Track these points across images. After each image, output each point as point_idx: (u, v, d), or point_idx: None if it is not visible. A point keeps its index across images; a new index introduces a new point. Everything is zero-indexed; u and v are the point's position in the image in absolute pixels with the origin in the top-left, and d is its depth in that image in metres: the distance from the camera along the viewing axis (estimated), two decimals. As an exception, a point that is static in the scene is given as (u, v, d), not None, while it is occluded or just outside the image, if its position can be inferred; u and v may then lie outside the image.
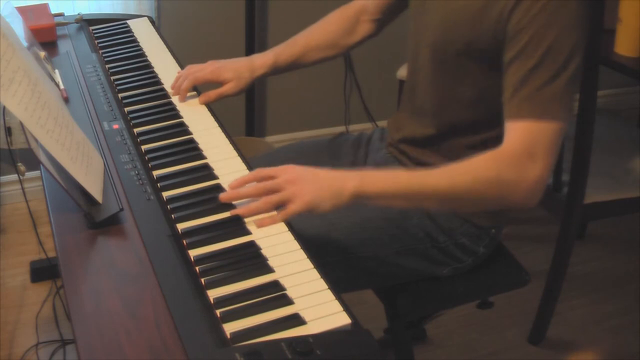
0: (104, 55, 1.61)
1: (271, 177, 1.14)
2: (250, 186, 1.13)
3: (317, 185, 1.13)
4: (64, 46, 1.67)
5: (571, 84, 1.16)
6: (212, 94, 1.45)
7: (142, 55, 1.61)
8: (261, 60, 1.51)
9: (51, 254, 2.01)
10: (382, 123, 2.84)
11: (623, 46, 1.89)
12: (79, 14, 1.78)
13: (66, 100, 1.41)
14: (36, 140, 1.04)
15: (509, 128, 1.18)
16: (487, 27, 1.22)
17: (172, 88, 1.47)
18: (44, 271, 2.19)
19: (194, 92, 1.48)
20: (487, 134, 1.34)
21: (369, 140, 1.59)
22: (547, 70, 1.15)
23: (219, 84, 1.48)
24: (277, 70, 1.53)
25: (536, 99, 1.15)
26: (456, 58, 1.28)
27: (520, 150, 1.15)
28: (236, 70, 1.48)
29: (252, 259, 1.02)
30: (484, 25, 1.22)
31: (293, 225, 1.12)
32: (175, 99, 1.45)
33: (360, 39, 1.57)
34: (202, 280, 0.98)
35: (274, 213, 1.11)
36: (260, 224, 1.10)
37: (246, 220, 1.10)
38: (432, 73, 1.35)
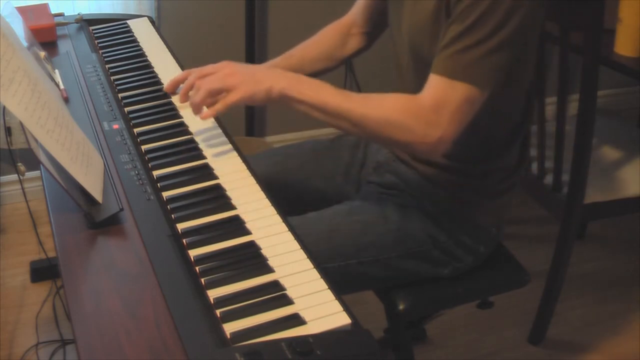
0: (104, 55, 1.61)
1: (211, 74, 1.26)
2: (191, 79, 1.28)
3: (253, 78, 1.24)
4: (64, 46, 1.67)
5: (496, 55, 1.18)
6: (220, 105, 1.45)
7: (142, 55, 1.62)
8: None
9: (51, 254, 2.01)
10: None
11: (623, 46, 1.89)
12: (79, 14, 1.78)
13: (66, 100, 1.41)
14: (36, 140, 1.04)
15: (428, 80, 1.22)
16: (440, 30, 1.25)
17: (167, 91, 1.43)
18: (44, 271, 2.19)
19: None
20: (486, 130, 1.34)
21: (368, 142, 1.59)
22: (473, 35, 1.18)
23: None
24: None
25: (457, 59, 1.19)
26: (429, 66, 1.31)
27: (429, 103, 1.20)
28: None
29: (252, 259, 1.02)
30: (440, 28, 1.24)
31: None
32: (175, 99, 1.44)
33: (352, 52, 1.61)
34: (202, 280, 0.98)
35: (215, 105, 1.24)
36: (203, 116, 1.25)
37: (246, 220, 1.11)
38: (415, 79, 1.36)
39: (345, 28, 1.60)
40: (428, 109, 1.20)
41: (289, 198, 1.52)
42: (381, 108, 1.22)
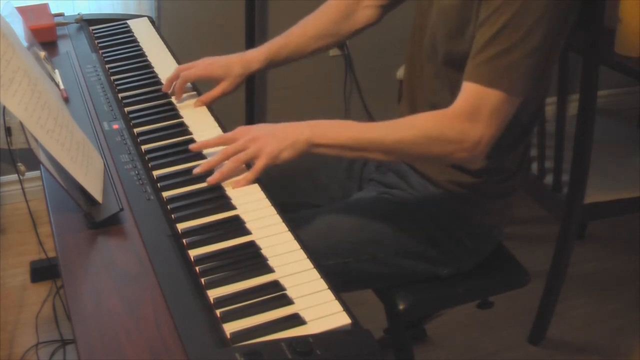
0: (104, 55, 1.61)
1: (233, 140, 1.22)
2: (219, 154, 1.21)
3: (275, 137, 1.20)
4: (64, 46, 1.67)
5: (529, 61, 1.17)
6: (205, 97, 1.43)
7: (142, 55, 1.62)
8: (254, 55, 1.49)
9: (51, 254, 2.01)
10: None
11: (623, 46, 1.89)
12: (79, 14, 1.78)
13: (66, 100, 1.41)
14: (36, 140, 1.04)
15: (462, 87, 1.21)
16: (465, 29, 1.23)
17: (164, 90, 1.45)
18: (44, 271, 2.18)
19: (194, 92, 1.48)
20: None
21: None
22: (505, 40, 1.17)
23: (211, 81, 1.46)
24: (272, 63, 1.50)
25: (490, 65, 1.18)
26: (444, 66, 1.30)
27: (463, 110, 1.19)
28: (228, 66, 1.46)
29: (252, 259, 1.02)
30: (465, 29, 1.23)
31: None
32: (175, 99, 1.45)
33: (360, 26, 1.54)
34: (202, 280, 0.98)
35: (245, 174, 1.19)
36: (236, 185, 1.18)
37: (246, 220, 1.11)
38: (432, 76, 1.35)
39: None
40: (463, 117, 1.18)
41: (290, 191, 1.52)
42: (413, 128, 1.21)
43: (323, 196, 1.53)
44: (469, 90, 1.20)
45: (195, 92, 1.48)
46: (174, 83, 1.45)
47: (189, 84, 1.47)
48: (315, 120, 1.25)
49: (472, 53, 1.21)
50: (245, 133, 1.22)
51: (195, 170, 1.19)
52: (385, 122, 1.24)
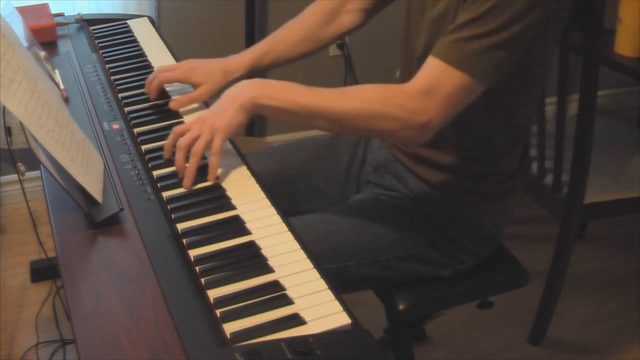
0: (104, 55, 1.61)
1: (187, 130, 1.20)
2: (177, 152, 1.19)
3: (221, 109, 1.19)
4: (64, 46, 1.67)
5: (499, 53, 1.15)
6: (184, 99, 1.39)
7: (142, 55, 1.61)
8: (236, 62, 1.45)
9: (51, 254, 2.01)
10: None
11: (623, 46, 1.89)
12: (79, 14, 1.78)
13: (66, 100, 1.41)
14: (36, 140, 1.04)
15: (426, 62, 1.19)
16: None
17: (145, 90, 1.42)
18: (44, 271, 2.19)
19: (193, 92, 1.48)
20: (490, 134, 1.33)
21: (368, 140, 1.58)
22: (481, 27, 1.14)
23: (191, 85, 1.42)
24: (256, 70, 1.47)
25: (460, 47, 1.16)
26: None
27: (421, 86, 1.17)
28: (208, 72, 1.41)
29: (252, 259, 1.02)
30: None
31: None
32: (175, 99, 1.44)
33: (344, 30, 1.51)
34: (202, 280, 0.98)
35: (211, 160, 1.18)
36: (210, 178, 1.17)
37: (246, 220, 1.10)
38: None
39: (337, 3, 1.50)
40: (418, 93, 1.16)
41: (289, 197, 1.52)
42: (363, 101, 1.18)
43: (322, 200, 1.53)
44: (432, 65, 1.17)
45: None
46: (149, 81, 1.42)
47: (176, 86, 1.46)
48: (264, 80, 1.22)
49: (447, 31, 1.19)
50: (196, 120, 1.21)
51: (185, 184, 1.17)
52: (337, 89, 1.22)
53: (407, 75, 1.42)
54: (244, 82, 1.22)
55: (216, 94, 1.40)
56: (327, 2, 1.51)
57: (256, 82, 1.22)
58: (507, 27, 1.14)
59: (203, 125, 1.19)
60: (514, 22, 1.14)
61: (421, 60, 1.26)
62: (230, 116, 1.19)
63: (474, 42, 1.15)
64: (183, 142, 1.19)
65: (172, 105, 1.38)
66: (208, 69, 1.42)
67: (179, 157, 1.18)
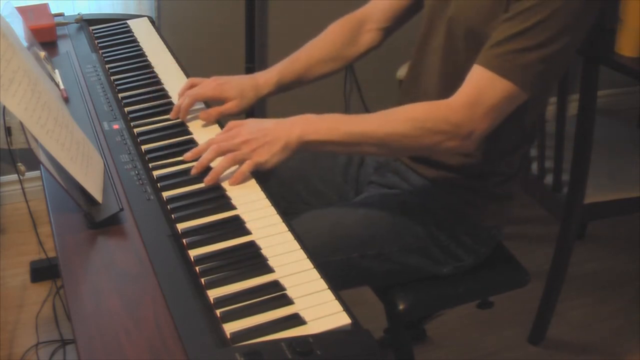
0: (104, 55, 1.61)
1: (225, 139, 1.21)
2: (210, 151, 1.20)
3: (266, 142, 1.20)
4: (64, 46, 1.67)
5: (547, 64, 1.18)
6: (214, 111, 1.37)
7: (142, 55, 1.62)
8: (265, 79, 1.45)
9: (51, 254, 2.01)
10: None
11: (623, 46, 1.89)
12: (79, 14, 1.78)
13: (66, 100, 1.41)
14: (36, 140, 1.04)
15: (471, 71, 1.20)
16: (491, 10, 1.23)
17: (173, 117, 1.37)
18: (44, 271, 2.19)
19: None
20: (496, 134, 1.33)
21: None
22: (529, 39, 1.16)
23: (221, 101, 1.41)
24: (281, 88, 1.47)
25: (507, 59, 1.18)
26: (465, 42, 1.29)
27: (467, 94, 1.18)
28: (240, 88, 1.41)
29: (252, 259, 1.02)
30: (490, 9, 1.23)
31: (296, 225, 1.12)
32: (175, 99, 1.44)
33: (364, 50, 1.53)
34: (202, 280, 0.98)
35: (240, 170, 1.18)
36: (233, 182, 1.17)
37: (246, 220, 1.11)
38: (442, 57, 1.34)
39: (356, 24, 1.52)
40: (462, 105, 1.18)
41: (287, 199, 1.52)
42: (409, 120, 1.20)
43: (321, 201, 1.53)
44: (478, 74, 1.19)
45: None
46: (181, 101, 1.38)
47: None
48: (306, 115, 1.23)
49: (491, 43, 1.20)
50: (236, 133, 1.21)
51: (193, 171, 1.19)
52: (378, 113, 1.23)
53: (415, 73, 1.42)
54: (289, 120, 1.23)
55: (246, 109, 1.43)
56: (348, 22, 1.53)
57: (299, 119, 1.22)
58: (557, 39, 1.16)
59: (245, 145, 1.19)
60: (562, 35, 1.16)
61: (437, 54, 1.26)
62: (273, 153, 1.19)
63: (523, 55, 1.17)
64: (224, 146, 1.19)
65: (202, 116, 1.36)
66: (240, 84, 1.42)
67: (210, 157, 1.19)
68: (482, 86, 1.18)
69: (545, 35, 1.16)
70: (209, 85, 1.40)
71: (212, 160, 1.20)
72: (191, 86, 1.42)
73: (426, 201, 1.40)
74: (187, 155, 1.23)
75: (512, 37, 1.18)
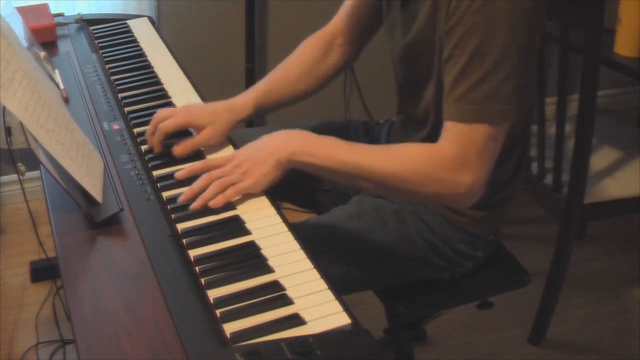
0: (104, 55, 1.61)
1: (219, 165, 1.18)
2: (201, 179, 1.16)
3: (258, 162, 1.16)
4: (64, 46, 1.67)
5: (508, 84, 1.10)
6: (189, 144, 1.27)
7: (142, 55, 1.62)
8: (241, 101, 1.37)
9: (51, 254, 2.00)
10: (382, 123, 2.83)
11: (623, 46, 1.89)
12: (79, 14, 1.78)
13: (66, 100, 1.41)
14: (36, 140, 1.04)
15: (445, 127, 1.15)
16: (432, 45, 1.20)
17: (148, 142, 1.29)
18: (44, 271, 2.19)
19: (195, 94, 1.48)
20: None
21: (376, 136, 1.58)
22: (476, 71, 1.10)
23: (195, 129, 1.32)
24: (261, 110, 1.40)
25: (468, 99, 1.11)
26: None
27: (454, 155, 1.12)
28: (213, 113, 1.31)
29: (252, 259, 1.03)
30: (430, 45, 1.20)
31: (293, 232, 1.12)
32: (175, 99, 1.44)
33: (339, 64, 1.49)
34: (202, 280, 0.98)
35: (223, 194, 1.14)
36: (214, 204, 1.12)
37: (246, 220, 1.10)
38: (408, 88, 1.33)
39: (328, 38, 1.48)
40: (455, 161, 1.12)
41: (288, 198, 1.52)
42: (405, 161, 1.15)
43: (320, 199, 1.52)
44: (452, 131, 1.13)
45: (196, 93, 1.47)
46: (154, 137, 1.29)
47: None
48: (304, 133, 1.19)
49: (446, 91, 1.14)
50: (232, 156, 1.19)
51: (181, 199, 1.13)
52: (377, 146, 1.18)
53: (401, 100, 1.42)
54: (285, 134, 1.19)
55: (224, 135, 1.32)
56: (320, 37, 1.48)
57: (296, 135, 1.18)
58: (503, 58, 1.09)
59: (237, 168, 1.16)
60: (506, 57, 1.09)
61: (400, 83, 1.26)
62: (265, 171, 1.15)
63: (478, 89, 1.10)
64: (214, 174, 1.15)
65: (176, 150, 1.26)
66: (212, 109, 1.33)
67: (201, 185, 1.15)
68: (460, 141, 1.12)
69: (489, 61, 1.08)
70: (180, 114, 1.30)
71: (203, 188, 1.15)
72: (160, 119, 1.30)
73: (420, 210, 1.38)
74: (179, 175, 1.18)
75: (457, 79, 1.12)
